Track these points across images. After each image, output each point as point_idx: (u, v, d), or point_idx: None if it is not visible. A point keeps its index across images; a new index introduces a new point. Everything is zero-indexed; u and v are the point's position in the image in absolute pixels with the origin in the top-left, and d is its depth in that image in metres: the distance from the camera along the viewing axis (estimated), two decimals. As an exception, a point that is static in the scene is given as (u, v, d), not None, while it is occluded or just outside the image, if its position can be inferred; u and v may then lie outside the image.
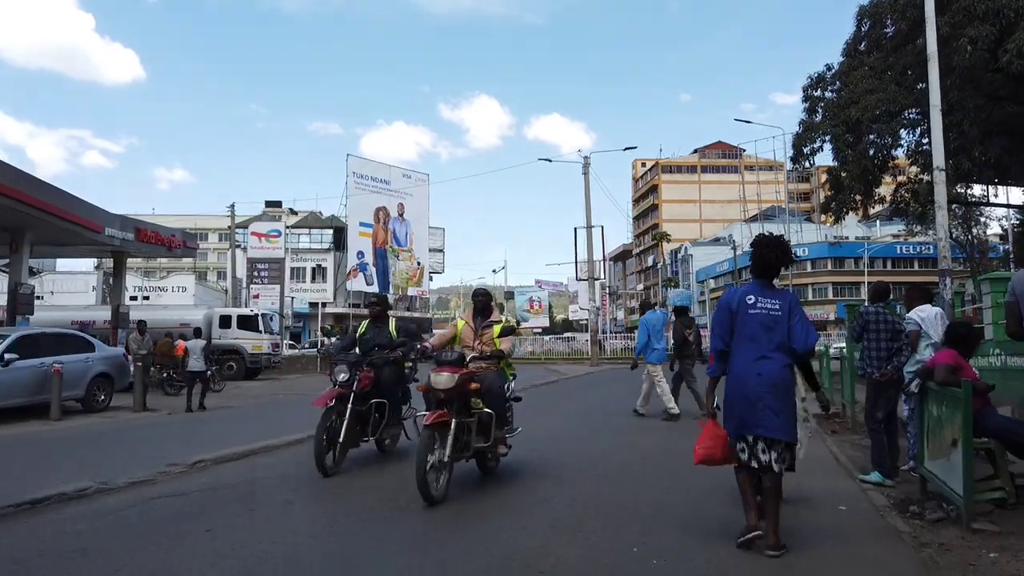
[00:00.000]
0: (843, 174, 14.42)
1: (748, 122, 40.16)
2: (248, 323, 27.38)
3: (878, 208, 18.22)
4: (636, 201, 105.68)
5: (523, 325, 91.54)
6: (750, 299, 3.97)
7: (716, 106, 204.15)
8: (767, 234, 4.25)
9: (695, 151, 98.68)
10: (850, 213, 18.67)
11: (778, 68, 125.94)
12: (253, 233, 33.99)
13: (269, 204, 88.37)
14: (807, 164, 15.72)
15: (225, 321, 27.54)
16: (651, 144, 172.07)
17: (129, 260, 25.16)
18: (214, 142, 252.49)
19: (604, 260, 30.11)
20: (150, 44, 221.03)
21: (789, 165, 16.17)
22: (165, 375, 17.78)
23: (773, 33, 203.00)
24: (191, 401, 12.98)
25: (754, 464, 3.92)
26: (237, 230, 40.14)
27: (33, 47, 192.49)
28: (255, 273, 33.98)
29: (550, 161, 30.44)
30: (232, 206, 35.69)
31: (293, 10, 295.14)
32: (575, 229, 27.93)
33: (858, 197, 17.17)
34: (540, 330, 79.10)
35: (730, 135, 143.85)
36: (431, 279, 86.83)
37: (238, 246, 38.79)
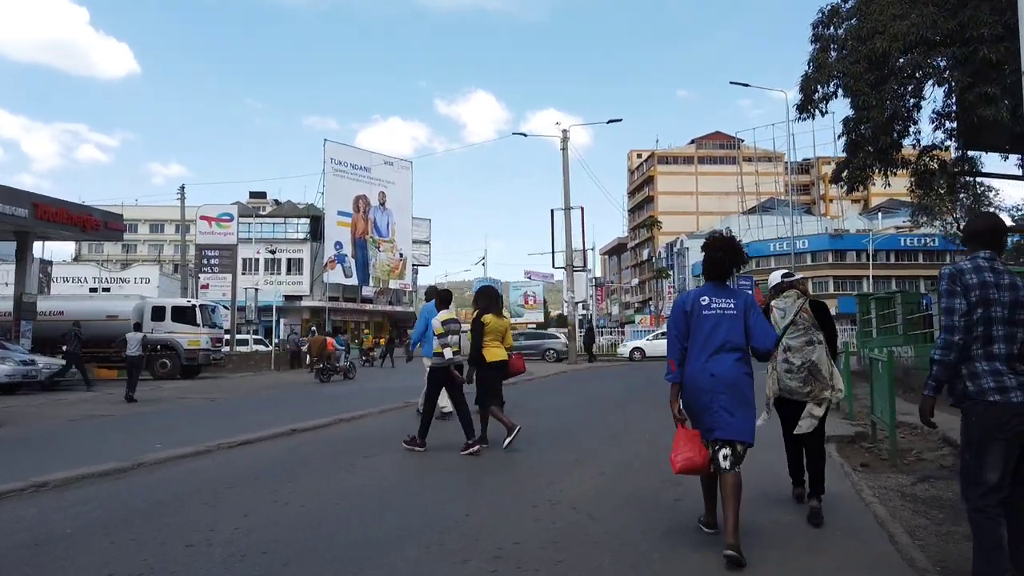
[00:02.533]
0: (862, 125, 11.45)
1: (746, 85, 37.23)
2: (184, 315, 24.42)
3: (898, 176, 15.19)
4: (631, 193, 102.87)
5: (518, 321, 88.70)
6: (704, 300, 3.86)
7: (713, 103, 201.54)
8: (717, 234, 4.10)
9: (692, 141, 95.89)
10: (859, 191, 15.72)
11: (775, 66, 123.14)
12: (202, 217, 30.92)
13: (253, 195, 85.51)
14: (818, 113, 12.80)
15: (158, 313, 24.61)
16: (648, 139, 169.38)
17: (86, 250, 22.17)
18: (210, 137, 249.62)
19: (585, 246, 27.10)
20: (144, 38, 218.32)
21: (794, 115, 13.15)
22: (320, 366, 20.29)
23: (771, 32, 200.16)
24: (132, 390, 13.84)
25: (712, 468, 3.80)
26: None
27: (27, 41, 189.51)
28: (204, 261, 30.94)
29: (525, 136, 27.51)
30: (182, 188, 32.74)
31: (290, 5, 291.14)
32: (552, 211, 25.03)
33: (877, 165, 14.21)
34: (535, 326, 76.23)
35: (727, 125, 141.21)
36: (416, 272, 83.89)
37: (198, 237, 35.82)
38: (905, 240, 62.60)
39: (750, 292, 4.92)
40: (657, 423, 7.74)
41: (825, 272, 62.07)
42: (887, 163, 14.28)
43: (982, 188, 47.34)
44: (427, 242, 75.16)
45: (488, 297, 7.28)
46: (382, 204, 62.36)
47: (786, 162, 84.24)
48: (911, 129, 15.05)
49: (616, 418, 9.70)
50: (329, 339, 22.08)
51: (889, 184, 14.23)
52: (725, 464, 3.67)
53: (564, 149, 24.88)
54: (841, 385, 4.58)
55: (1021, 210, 49.01)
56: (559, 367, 23.76)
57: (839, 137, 13.12)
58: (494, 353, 7.00)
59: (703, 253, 4.02)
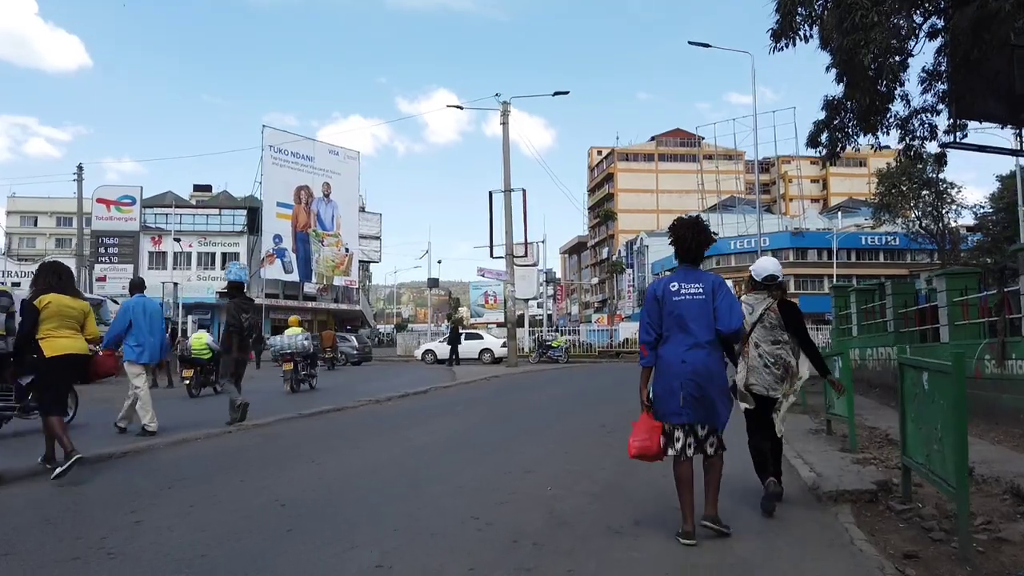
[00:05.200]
0: (861, 51, 8.76)
1: (707, 45, 33.06)
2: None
3: (887, 140, 12.66)
4: (591, 191, 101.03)
5: (478, 321, 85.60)
6: (674, 286, 3.87)
7: (672, 105, 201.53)
8: (685, 216, 4.16)
9: (652, 138, 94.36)
10: (838, 159, 13.13)
11: (733, 70, 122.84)
12: (99, 200, 27.15)
13: (198, 188, 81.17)
14: (800, 38, 10.12)
15: (28, 307, 20.90)
16: (609, 140, 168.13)
17: (16, 244, 18.38)
18: (164, 133, 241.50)
19: (528, 234, 24.21)
20: (96, 31, 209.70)
21: (769, 43, 10.39)
22: (328, 356, 24.12)
23: (731, 34, 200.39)
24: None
25: (685, 453, 3.82)
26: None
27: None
28: (102, 249, 27.18)
29: (461, 108, 24.58)
30: (79, 167, 28.95)
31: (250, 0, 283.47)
32: (490, 193, 22.08)
33: (862, 125, 11.66)
34: (495, 326, 73.13)
35: (688, 123, 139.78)
36: (367, 268, 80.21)
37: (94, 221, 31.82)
38: (865, 238, 61.76)
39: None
40: (595, 460, 4.89)
41: (786, 271, 59.76)
42: (872, 126, 11.72)
43: (944, 186, 46.20)
44: (378, 238, 71.40)
45: (50, 274, 5.68)
46: (326, 196, 58.69)
47: (747, 160, 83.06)
48: (897, 92, 12.63)
49: (531, 450, 6.81)
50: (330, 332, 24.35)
51: (880, 146, 11.69)
52: (710, 450, 3.80)
53: (504, 124, 22.01)
54: (804, 372, 4.56)
55: (983, 207, 47.95)
56: (494, 370, 20.83)
57: (827, 70, 10.50)
58: (58, 345, 5.37)
59: (670, 235, 4.00)
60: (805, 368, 4.52)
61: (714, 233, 4.16)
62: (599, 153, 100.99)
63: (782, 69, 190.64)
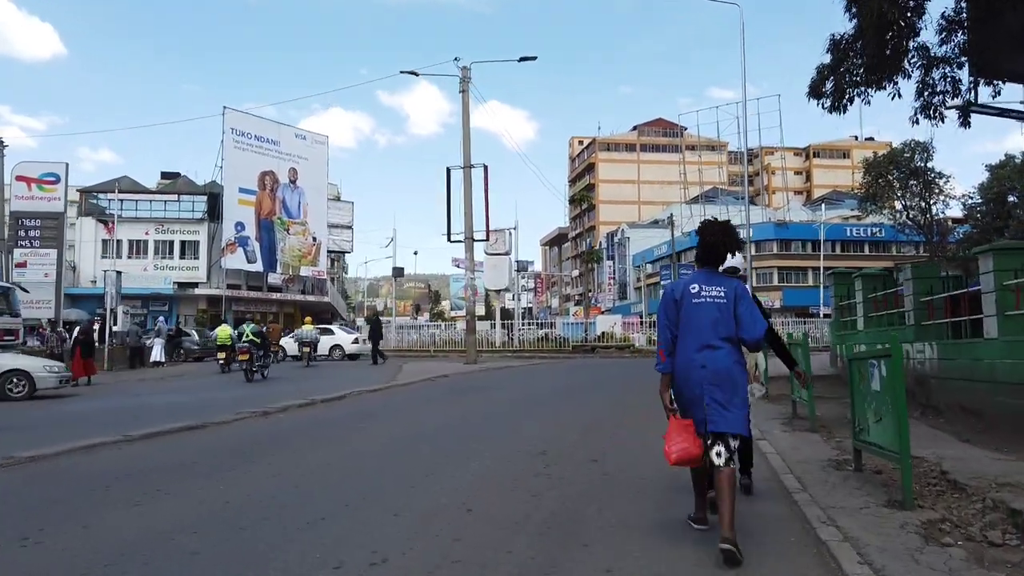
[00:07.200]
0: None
1: None
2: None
3: (902, 86, 10.59)
4: (572, 181, 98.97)
5: (458, 314, 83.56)
6: (694, 288, 3.80)
7: (654, 98, 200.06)
8: (713, 219, 4.09)
9: (634, 128, 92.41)
10: (845, 111, 11.01)
11: (715, 64, 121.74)
12: (19, 178, 24.38)
13: (165, 175, 78.02)
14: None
15: (-81, 296, 18.53)
16: (591, 130, 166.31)
17: None
18: (140, 121, 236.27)
19: (489, 215, 21.86)
20: (71, 19, 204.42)
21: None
22: (274, 350, 24.65)
23: (712, 32, 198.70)
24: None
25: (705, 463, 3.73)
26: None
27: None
28: (22, 232, 24.49)
29: (416, 75, 22.20)
30: None
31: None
32: (448, 169, 19.74)
33: (873, 73, 9.57)
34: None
35: (671, 113, 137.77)
36: (342, 259, 77.51)
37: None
38: (851, 230, 60.24)
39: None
40: (507, 528, 2.69)
41: (770, 263, 58.90)
42: (889, 71, 9.62)
43: (932, 175, 44.48)
44: (349, 227, 68.70)
45: None
46: (293, 182, 55.95)
47: (730, 151, 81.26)
48: (912, 43, 10.57)
49: (421, 501, 4.55)
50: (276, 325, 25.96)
51: (900, 94, 9.60)
52: (719, 461, 3.60)
53: (464, 92, 19.66)
54: (763, 365, 4.45)
55: (973, 198, 46.30)
56: (446, 368, 18.62)
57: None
58: None
59: (698, 238, 3.92)
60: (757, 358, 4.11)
61: (742, 242, 4.03)
62: (580, 143, 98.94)
63: (766, 63, 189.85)
